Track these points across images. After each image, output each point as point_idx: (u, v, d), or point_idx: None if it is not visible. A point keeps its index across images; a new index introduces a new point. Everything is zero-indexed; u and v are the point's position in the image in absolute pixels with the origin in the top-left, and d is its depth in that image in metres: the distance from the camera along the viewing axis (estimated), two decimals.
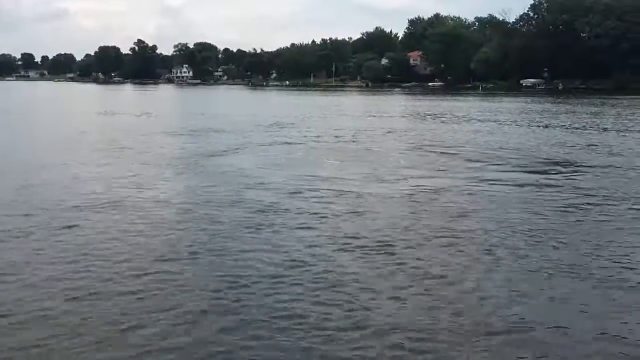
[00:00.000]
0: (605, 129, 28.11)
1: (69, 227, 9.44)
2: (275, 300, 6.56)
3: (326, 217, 10.22)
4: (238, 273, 7.35)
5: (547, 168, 16.41)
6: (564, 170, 15.89)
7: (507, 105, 53.54)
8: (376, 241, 8.76)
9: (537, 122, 33.52)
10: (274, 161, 17.15)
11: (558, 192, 12.63)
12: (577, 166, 16.56)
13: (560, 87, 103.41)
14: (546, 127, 29.97)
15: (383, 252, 8.25)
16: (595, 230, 9.54)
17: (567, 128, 29.13)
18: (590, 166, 16.49)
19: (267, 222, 9.83)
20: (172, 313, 6.20)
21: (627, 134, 25.87)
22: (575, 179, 14.30)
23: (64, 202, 11.20)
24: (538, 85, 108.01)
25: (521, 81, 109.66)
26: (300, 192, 12.25)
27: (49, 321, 6.02)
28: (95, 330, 5.82)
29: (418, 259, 7.97)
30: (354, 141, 23.08)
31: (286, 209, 10.71)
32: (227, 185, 13.08)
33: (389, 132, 27.21)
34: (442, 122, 34.06)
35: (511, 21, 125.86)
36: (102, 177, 14.22)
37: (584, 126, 29.99)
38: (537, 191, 12.77)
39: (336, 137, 24.65)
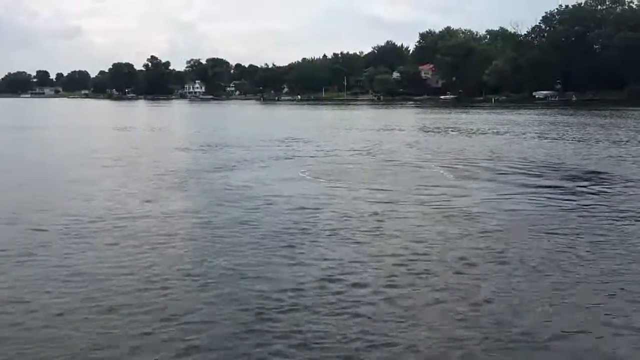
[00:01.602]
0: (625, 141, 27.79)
1: (85, 239, 9.43)
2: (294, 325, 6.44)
3: (349, 231, 10.09)
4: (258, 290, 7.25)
5: (592, 183, 16.14)
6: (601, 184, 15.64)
7: (524, 118, 53.17)
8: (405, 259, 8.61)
9: (559, 134, 33.18)
10: (293, 175, 17.02)
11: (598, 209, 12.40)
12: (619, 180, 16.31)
13: (574, 98, 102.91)
14: (577, 140, 29.52)
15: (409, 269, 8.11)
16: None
17: (601, 140, 28.78)
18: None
19: (290, 240, 9.66)
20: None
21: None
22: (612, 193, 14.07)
23: (76, 218, 11.15)
24: (550, 97, 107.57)
25: (534, 93, 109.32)
26: (323, 207, 12.13)
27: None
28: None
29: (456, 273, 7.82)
30: (373, 155, 22.96)
31: (309, 227, 10.52)
32: (246, 201, 12.96)
33: (409, 145, 27.02)
34: (466, 135, 33.85)
35: (523, 33, 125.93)
36: (116, 194, 14.17)
37: (621, 139, 29.63)
38: (578, 207, 12.49)
39: (355, 151, 24.51)
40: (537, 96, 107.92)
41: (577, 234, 9.97)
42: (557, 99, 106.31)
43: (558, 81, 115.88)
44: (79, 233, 10.10)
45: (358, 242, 9.48)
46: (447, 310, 6.66)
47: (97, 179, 16.57)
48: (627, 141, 27.61)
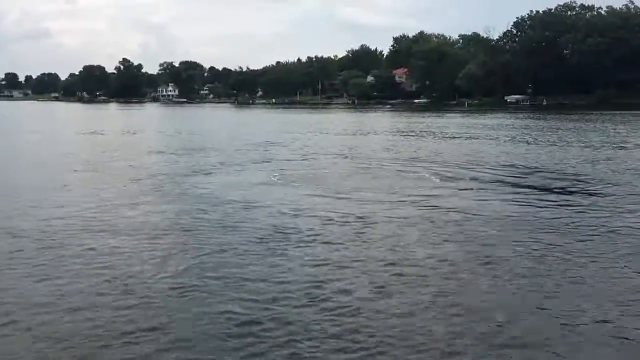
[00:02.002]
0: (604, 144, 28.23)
1: (60, 247, 9.10)
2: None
3: (325, 235, 9.91)
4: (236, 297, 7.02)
5: (565, 184, 16.23)
6: (586, 187, 15.74)
7: (497, 122, 53.73)
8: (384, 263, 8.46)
9: (532, 138, 33.56)
10: (269, 180, 16.80)
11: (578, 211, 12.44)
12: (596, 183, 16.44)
13: (544, 103, 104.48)
14: (551, 143, 29.83)
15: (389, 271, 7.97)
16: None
17: (574, 144, 29.16)
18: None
19: (269, 247, 9.48)
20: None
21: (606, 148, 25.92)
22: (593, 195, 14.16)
23: (49, 224, 10.80)
24: (522, 102, 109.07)
25: (505, 97, 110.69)
26: (301, 212, 11.93)
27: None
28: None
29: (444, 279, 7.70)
30: (351, 159, 22.93)
31: (289, 232, 10.34)
32: (224, 205, 12.72)
33: (386, 149, 26.99)
34: (441, 139, 33.99)
35: (495, 38, 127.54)
36: (90, 199, 13.78)
37: (593, 143, 30.07)
38: (560, 209, 12.52)
39: (332, 155, 24.44)
40: (509, 100, 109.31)
41: (562, 236, 9.98)
42: (528, 103, 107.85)
43: (529, 85, 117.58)
44: (54, 240, 9.76)
45: (338, 248, 9.34)
46: (436, 315, 6.54)
47: (70, 184, 16.13)
48: (600, 145, 27.99)
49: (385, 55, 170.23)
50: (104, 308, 6.79)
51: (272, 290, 7.35)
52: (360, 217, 11.43)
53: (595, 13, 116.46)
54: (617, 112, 66.51)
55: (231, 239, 9.81)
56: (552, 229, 10.56)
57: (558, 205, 12.90)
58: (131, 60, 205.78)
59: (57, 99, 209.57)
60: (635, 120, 50.03)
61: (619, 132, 36.47)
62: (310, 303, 6.93)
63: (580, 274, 8.01)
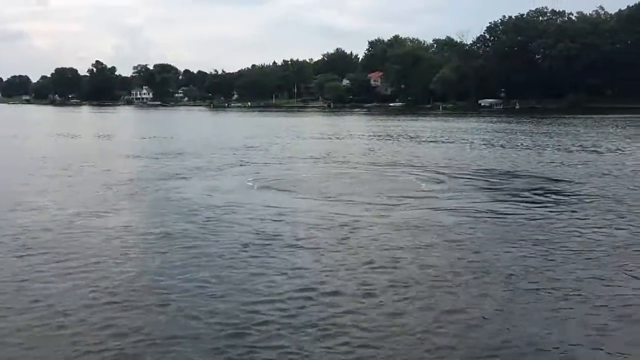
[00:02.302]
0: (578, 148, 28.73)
1: (37, 253, 8.93)
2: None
3: (310, 241, 9.90)
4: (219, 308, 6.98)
5: (547, 188, 16.46)
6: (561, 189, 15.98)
7: (472, 125, 54.36)
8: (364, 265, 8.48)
9: (508, 142, 33.98)
10: (247, 185, 16.72)
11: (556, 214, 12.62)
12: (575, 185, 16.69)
13: (517, 107, 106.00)
14: (526, 147, 30.28)
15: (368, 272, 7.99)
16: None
17: (549, 147, 29.59)
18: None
19: (250, 253, 9.44)
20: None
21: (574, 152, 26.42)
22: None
23: (24, 230, 10.59)
24: (495, 105, 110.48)
25: (479, 101, 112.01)
26: (282, 218, 11.89)
27: None
28: None
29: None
30: (330, 163, 22.97)
31: (269, 238, 10.31)
32: (203, 211, 12.62)
33: (364, 154, 27.07)
34: (418, 142, 34.22)
35: (468, 43, 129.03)
36: (66, 204, 13.55)
37: (567, 146, 30.56)
38: (540, 211, 12.70)
39: (311, 159, 24.46)
40: (482, 104, 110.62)
41: (544, 239, 10.12)
42: (501, 107, 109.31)
43: (502, 89, 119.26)
44: (26, 246, 9.60)
45: (321, 252, 9.34)
46: (424, 320, 6.58)
47: (45, 189, 15.84)
48: (574, 149, 28.50)
49: (360, 59, 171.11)
50: (80, 313, 6.71)
51: (255, 296, 7.32)
52: (341, 222, 11.44)
53: (566, 18, 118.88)
54: (588, 116, 67.81)
55: (211, 245, 9.75)
56: (535, 232, 10.70)
57: (539, 207, 13.08)
58: (104, 63, 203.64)
59: (28, 102, 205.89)
60: (605, 125, 51.05)
61: (591, 136, 37.17)
62: (295, 307, 6.92)
63: (563, 276, 8.14)
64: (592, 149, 28.37)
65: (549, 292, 7.54)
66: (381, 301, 7.22)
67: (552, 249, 9.58)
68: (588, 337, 6.26)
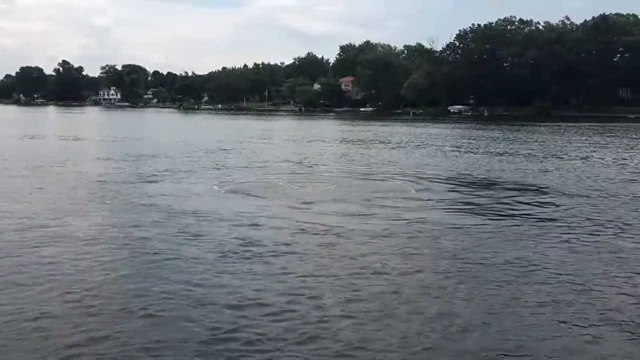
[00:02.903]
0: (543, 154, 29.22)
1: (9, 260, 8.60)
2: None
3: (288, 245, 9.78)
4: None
5: (513, 192, 16.62)
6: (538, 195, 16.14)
7: (442, 131, 54.96)
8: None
9: (470, 147, 34.40)
10: (220, 189, 16.49)
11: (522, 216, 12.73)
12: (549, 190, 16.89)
13: (485, 113, 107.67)
14: (498, 153, 30.73)
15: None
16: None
17: (519, 154, 30.02)
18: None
19: (228, 259, 9.27)
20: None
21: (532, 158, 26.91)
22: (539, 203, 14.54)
23: None
24: (464, 112, 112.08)
25: (449, 107, 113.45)
26: (258, 225, 11.73)
27: None
28: None
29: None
30: (304, 167, 22.87)
31: (247, 244, 10.12)
32: (177, 216, 12.37)
33: (337, 160, 27.02)
34: (390, 148, 34.37)
35: (439, 50, 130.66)
36: (34, 209, 13.14)
37: (536, 153, 31.04)
38: (516, 218, 12.81)
39: (283, 162, 24.31)
40: (452, 110, 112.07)
41: (525, 244, 10.19)
42: (470, 113, 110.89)
43: (471, 96, 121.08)
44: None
45: (303, 258, 9.22)
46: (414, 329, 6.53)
47: (11, 191, 15.34)
48: (544, 155, 29.01)
49: (331, 63, 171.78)
50: (52, 319, 6.49)
51: (237, 303, 7.18)
52: (321, 228, 11.33)
53: (534, 28, 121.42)
54: (555, 123, 69.31)
55: (188, 251, 9.53)
56: (514, 238, 10.77)
57: (517, 214, 13.17)
58: (71, 63, 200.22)
59: None
60: (572, 132, 52.21)
61: (558, 143, 37.94)
62: (277, 313, 6.80)
63: (544, 281, 8.19)
64: (559, 154, 28.93)
65: (537, 298, 7.57)
66: (366, 307, 7.14)
67: (534, 254, 9.66)
68: (574, 345, 6.28)
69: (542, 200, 15.39)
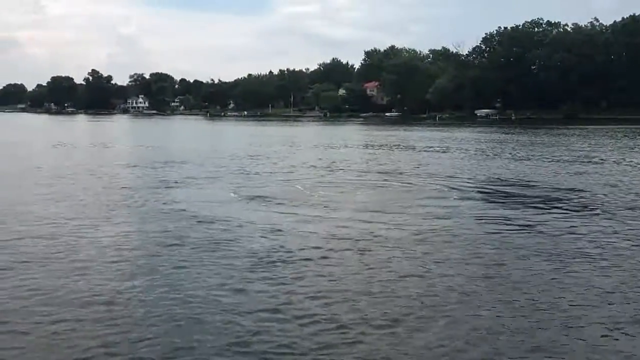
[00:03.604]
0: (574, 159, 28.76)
1: (39, 263, 8.80)
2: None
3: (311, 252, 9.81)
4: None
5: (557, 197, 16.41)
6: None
7: (471, 135, 54.47)
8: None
9: (507, 151, 34.02)
10: (256, 195, 16.55)
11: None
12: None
13: (513, 117, 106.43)
14: (527, 158, 30.37)
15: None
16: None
17: (556, 159, 29.62)
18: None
19: (262, 268, 9.34)
20: None
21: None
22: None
23: (24, 240, 10.46)
24: (491, 116, 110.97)
25: (475, 111, 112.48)
26: (294, 231, 11.78)
27: None
28: None
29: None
30: (337, 172, 22.84)
31: (283, 252, 10.17)
32: (206, 223, 12.47)
33: (369, 162, 26.99)
34: (417, 152, 34.22)
35: (464, 53, 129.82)
36: (65, 214, 13.40)
37: (577, 157, 30.59)
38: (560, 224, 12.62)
39: (315, 168, 24.35)
40: (478, 114, 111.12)
41: (571, 250, 10.04)
42: (497, 117, 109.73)
43: (498, 100, 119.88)
44: (26, 254, 9.53)
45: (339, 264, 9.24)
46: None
47: (42, 198, 15.68)
48: (574, 159, 28.53)
49: (356, 68, 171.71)
50: (77, 323, 6.62)
51: (270, 316, 7.24)
52: (358, 234, 11.31)
53: (562, 30, 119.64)
54: (584, 127, 68.08)
55: (215, 257, 9.57)
56: (560, 242, 10.62)
57: (557, 218, 12.92)
58: (100, 72, 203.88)
59: (23, 110, 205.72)
60: (606, 136, 51.25)
61: (590, 147, 37.26)
62: (306, 316, 6.83)
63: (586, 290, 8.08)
64: (596, 159, 28.35)
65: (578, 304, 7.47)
66: (403, 311, 7.13)
67: (581, 261, 9.50)
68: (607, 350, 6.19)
69: (582, 204, 15.05)
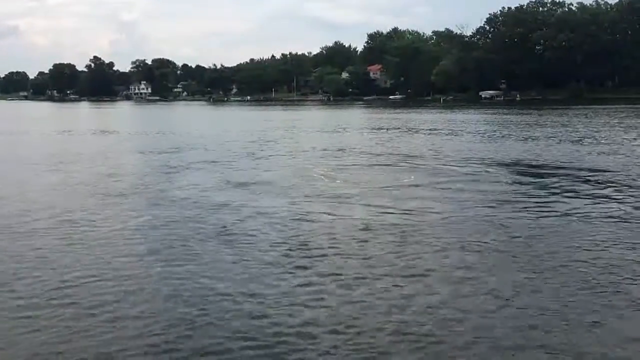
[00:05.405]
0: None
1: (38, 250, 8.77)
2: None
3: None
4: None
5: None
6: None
7: (476, 117, 54.17)
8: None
9: (513, 133, 33.83)
10: (257, 181, 16.45)
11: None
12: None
13: (518, 98, 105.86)
14: (534, 138, 30.15)
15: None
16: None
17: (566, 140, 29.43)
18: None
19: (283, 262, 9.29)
20: None
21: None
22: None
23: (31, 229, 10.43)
24: (496, 97, 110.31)
25: (480, 93, 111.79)
26: (309, 218, 11.72)
27: None
28: None
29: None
30: (348, 155, 22.71)
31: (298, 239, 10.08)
32: (214, 210, 12.35)
33: (380, 145, 26.80)
34: (425, 135, 34.05)
35: (468, 35, 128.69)
36: (71, 203, 13.35)
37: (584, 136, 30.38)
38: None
39: (324, 151, 24.22)
40: (483, 96, 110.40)
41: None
42: (502, 98, 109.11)
43: (502, 81, 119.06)
44: (36, 240, 9.54)
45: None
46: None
47: (47, 187, 15.56)
48: (585, 140, 28.30)
49: (359, 51, 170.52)
50: (83, 319, 6.49)
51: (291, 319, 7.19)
52: (384, 219, 11.27)
53: (567, 9, 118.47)
54: (590, 106, 67.55)
55: (225, 246, 9.37)
56: (582, 228, 10.53)
57: (579, 199, 12.86)
58: (102, 58, 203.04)
59: (26, 98, 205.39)
60: (615, 114, 50.83)
61: (601, 126, 36.97)
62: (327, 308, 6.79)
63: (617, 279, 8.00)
64: (604, 141, 28.12)
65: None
66: (426, 302, 7.08)
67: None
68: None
69: (606, 186, 14.87)
